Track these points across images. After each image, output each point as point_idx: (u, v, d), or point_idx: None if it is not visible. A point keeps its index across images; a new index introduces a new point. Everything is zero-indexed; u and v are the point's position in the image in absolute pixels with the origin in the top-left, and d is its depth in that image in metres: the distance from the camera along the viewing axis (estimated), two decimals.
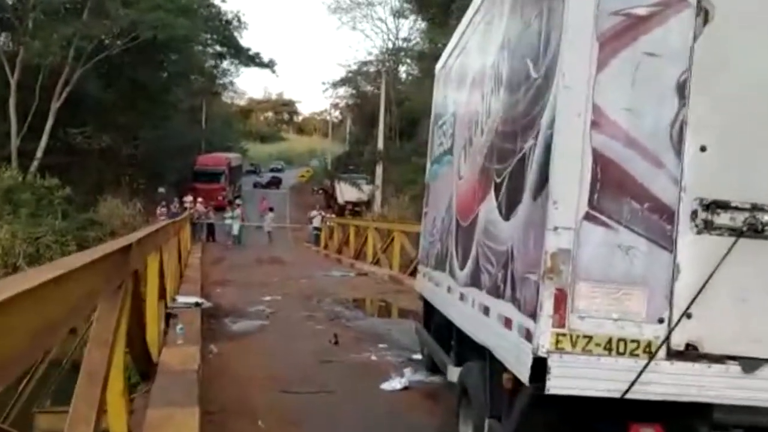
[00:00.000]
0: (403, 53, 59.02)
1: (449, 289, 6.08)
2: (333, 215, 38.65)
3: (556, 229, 3.41)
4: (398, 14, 56.48)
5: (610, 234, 3.44)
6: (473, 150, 5.58)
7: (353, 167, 53.81)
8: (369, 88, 63.75)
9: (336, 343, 10.15)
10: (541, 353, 3.41)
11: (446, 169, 6.96)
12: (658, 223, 3.45)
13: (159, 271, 8.69)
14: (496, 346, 4.23)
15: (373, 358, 9.37)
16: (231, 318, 12.08)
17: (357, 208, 43.88)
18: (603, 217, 3.43)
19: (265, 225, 36.11)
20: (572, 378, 3.40)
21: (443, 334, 6.87)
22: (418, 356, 9.21)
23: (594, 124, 3.44)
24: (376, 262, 22.36)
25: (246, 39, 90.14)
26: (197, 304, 11.27)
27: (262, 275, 19.64)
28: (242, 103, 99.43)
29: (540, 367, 3.42)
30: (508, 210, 4.26)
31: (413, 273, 18.71)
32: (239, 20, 54.96)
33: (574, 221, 3.42)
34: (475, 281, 5.02)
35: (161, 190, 38.88)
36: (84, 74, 33.59)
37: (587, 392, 3.42)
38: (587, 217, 3.43)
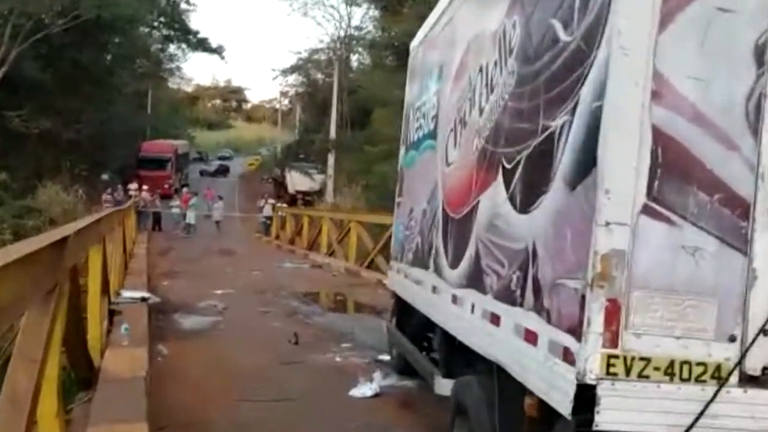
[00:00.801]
0: (355, 42, 58.10)
1: (435, 290, 5.39)
2: (284, 204, 37.72)
3: (607, 224, 2.74)
4: (351, 1, 55.48)
5: (673, 232, 2.79)
6: (467, 132, 4.89)
7: (304, 156, 53.03)
8: (320, 76, 62.91)
9: (296, 342, 9.39)
10: (589, 380, 2.74)
11: (428, 154, 6.26)
12: (731, 218, 2.81)
13: (102, 265, 7.82)
14: (512, 362, 3.55)
15: (338, 359, 8.65)
16: (181, 314, 11.22)
17: (308, 198, 43.03)
18: (665, 211, 2.78)
19: (215, 214, 34.90)
20: (626, 411, 2.74)
21: (424, 337, 6.20)
22: (386, 357, 8.55)
23: (655, 96, 2.78)
24: (331, 254, 21.63)
25: (194, 23, 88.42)
26: (144, 299, 10.43)
27: (212, 267, 18.74)
28: (189, 89, 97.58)
29: (586, 396, 2.75)
30: (525, 201, 3.58)
31: (370, 265, 18.08)
32: (188, 1, 53.50)
33: (630, 215, 2.76)
34: (474, 283, 4.33)
35: (104, 176, 37.34)
36: (21, 54, 31.84)
37: (644, 428, 2.77)
38: (645, 210, 2.77)
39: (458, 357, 4.71)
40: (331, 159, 43.33)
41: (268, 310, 12.02)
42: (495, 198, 4.06)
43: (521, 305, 3.49)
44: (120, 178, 39.02)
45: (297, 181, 45.79)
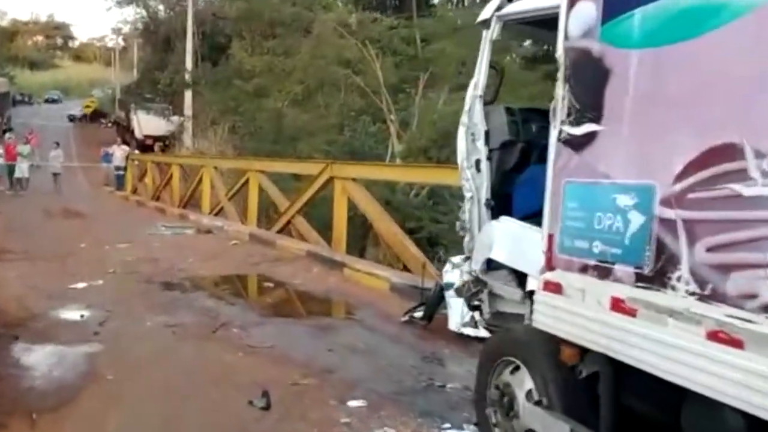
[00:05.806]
0: None
1: None
2: (136, 151, 31.80)
3: None
4: None
5: None
6: None
7: (149, 96, 46.75)
8: (161, 8, 56.36)
9: (267, 406, 4.91)
10: None
11: None
12: None
13: None
14: None
15: None
16: (24, 343, 6.30)
17: (166, 143, 37.12)
18: None
19: (52, 165, 28.26)
20: None
21: None
22: None
23: None
24: (218, 213, 16.78)
25: None
26: None
27: (60, 239, 13.37)
28: (4, 23, 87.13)
29: None
30: None
31: (283, 230, 13.50)
32: None
33: None
34: None
35: None
36: None
37: None
38: None
39: None
40: (188, 98, 37.33)
41: (174, 321, 7.26)
42: None
43: None
44: None
45: (147, 124, 39.50)
